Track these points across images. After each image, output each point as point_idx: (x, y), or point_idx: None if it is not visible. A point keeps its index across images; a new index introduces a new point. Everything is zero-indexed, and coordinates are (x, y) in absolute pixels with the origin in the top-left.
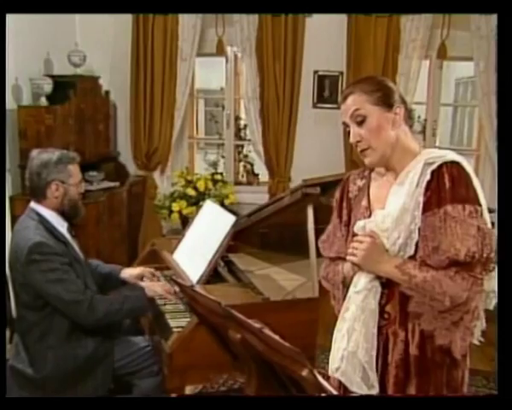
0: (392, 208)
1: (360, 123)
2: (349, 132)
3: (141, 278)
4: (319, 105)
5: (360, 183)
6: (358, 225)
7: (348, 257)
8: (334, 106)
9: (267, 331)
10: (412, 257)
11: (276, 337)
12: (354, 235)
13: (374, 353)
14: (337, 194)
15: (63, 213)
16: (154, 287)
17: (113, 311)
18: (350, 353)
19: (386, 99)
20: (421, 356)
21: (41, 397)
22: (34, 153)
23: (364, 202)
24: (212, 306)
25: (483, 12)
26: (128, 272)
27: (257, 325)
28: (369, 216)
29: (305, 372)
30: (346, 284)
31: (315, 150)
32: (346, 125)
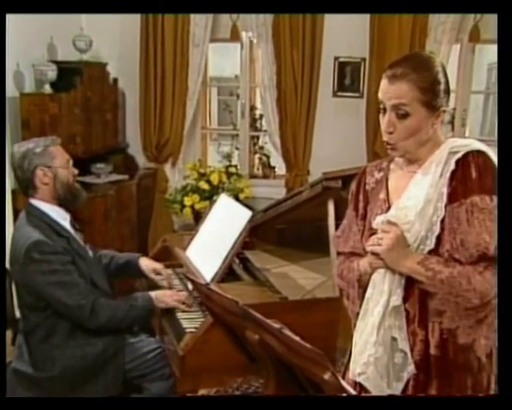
0: (414, 200)
1: (400, 116)
2: (380, 110)
3: (156, 273)
4: (340, 93)
5: (378, 175)
6: (378, 220)
7: (371, 247)
8: (356, 94)
9: (287, 332)
10: (432, 251)
11: (297, 338)
12: (371, 229)
13: (408, 355)
14: (353, 186)
15: (61, 203)
16: (165, 298)
17: (116, 318)
18: (377, 359)
19: (434, 101)
20: (443, 357)
21: (42, 397)
22: (15, 148)
23: (382, 195)
24: (228, 305)
25: (483, 12)
26: (146, 263)
27: (276, 326)
28: (388, 209)
29: (327, 375)
30: (361, 283)
31: (335, 142)
32: (381, 103)
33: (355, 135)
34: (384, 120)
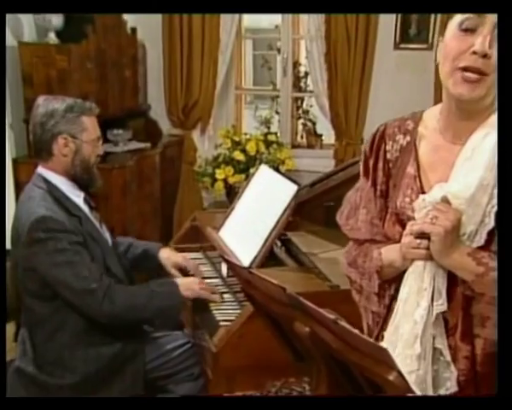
0: (463, 183)
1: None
2: (467, 29)
3: (179, 268)
4: (403, 45)
5: (403, 140)
6: (425, 200)
7: (422, 227)
8: (424, 46)
9: (343, 324)
10: (480, 249)
11: (356, 331)
12: (397, 215)
13: (452, 368)
14: (368, 151)
15: (75, 180)
16: (192, 285)
17: (136, 306)
18: (418, 376)
19: None
20: (492, 375)
21: (43, 397)
22: (40, 100)
23: (411, 169)
24: (274, 292)
25: (483, 12)
26: (167, 255)
27: (331, 316)
28: (420, 189)
29: (392, 376)
30: (382, 276)
31: (395, 104)
32: (470, 19)
33: (420, 95)
34: (483, 35)
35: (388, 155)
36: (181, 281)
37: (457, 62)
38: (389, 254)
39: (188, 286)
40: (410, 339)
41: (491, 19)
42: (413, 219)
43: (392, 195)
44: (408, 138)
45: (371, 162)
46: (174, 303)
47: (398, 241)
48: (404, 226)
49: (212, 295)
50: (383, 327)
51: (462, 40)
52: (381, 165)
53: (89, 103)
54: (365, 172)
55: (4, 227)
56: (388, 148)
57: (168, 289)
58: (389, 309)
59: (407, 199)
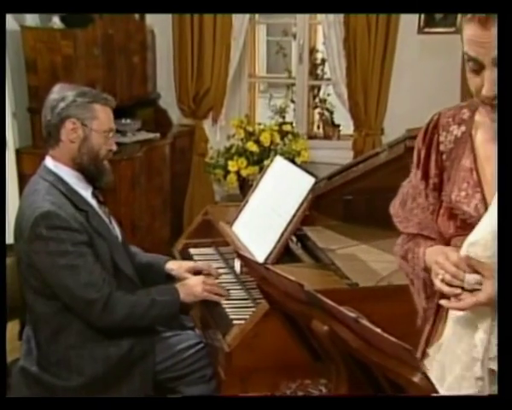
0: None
1: None
2: (473, 70)
3: (193, 272)
4: (427, 29)
5: (457, 131)
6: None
7: (467, 303)
8: (451, 30)
9: (365, 322)
10: None
11: (378, 330)
12: (451, 209)
13: None
14: (420, 142)
15: (82, 171)
16: (194, 288)
17: (135, 315)
18: (480, 379)
19: None
20: None
21: (45, 397)
22: (57, 87)
23: (467, 162)
24: (291, 289)
25: (483, 12)
26: (176, 265)
27: (351, 314)
28: (478, 183)
29: (416, 378)
30: (429, 272)
31: (419, 92)
32: (472, 60)
33: (446, 83)
34: (486, 79)
35: (442, 147)
36: (182, 286)
37: (480, 97)
38: (432, 256)
39: (189, 291)
40: (468, 361)
41: (492, 55)
42: (468, 214)
43: (446, 188)
44: (463, 128)
45: (423, 154)
46: (172, 312)
47: (452, 236)
48: (458, 221)
49: (214, 296)
50: (434, 328)
51: (473, 79)
52: (433, 157)
53: (106, 94)
54: (417, 163)
55: (4, 224)
56: (442, 139)
57: (169, 299)
58: (438, 311)
59: (463, 193)
